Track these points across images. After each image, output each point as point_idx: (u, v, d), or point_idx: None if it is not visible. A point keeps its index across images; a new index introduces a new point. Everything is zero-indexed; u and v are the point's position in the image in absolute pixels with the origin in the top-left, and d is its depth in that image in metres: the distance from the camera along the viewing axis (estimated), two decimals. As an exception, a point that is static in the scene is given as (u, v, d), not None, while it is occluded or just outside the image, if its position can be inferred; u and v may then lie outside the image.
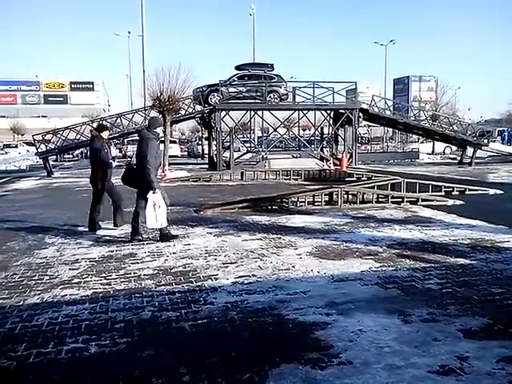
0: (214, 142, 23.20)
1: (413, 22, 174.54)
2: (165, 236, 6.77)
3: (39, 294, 4.53)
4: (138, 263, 5.60)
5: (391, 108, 26.85)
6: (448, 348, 3.26)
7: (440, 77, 57.59)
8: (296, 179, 16.46)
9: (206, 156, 26.86)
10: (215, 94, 22.17)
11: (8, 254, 6.10)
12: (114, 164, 7.27)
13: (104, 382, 2.92)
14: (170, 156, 18.27)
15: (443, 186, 11.64)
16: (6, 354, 3.26)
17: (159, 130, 6.93)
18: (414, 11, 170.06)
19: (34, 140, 21.75)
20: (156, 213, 6.45)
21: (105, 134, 7.61)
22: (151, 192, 6.43)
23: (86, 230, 7.50)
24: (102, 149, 7.43)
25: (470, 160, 24.52)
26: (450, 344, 3.32)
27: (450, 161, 28.64)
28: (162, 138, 17.14)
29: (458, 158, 26.53)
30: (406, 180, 11.28)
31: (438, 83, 55.51)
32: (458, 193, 11.54)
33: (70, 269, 5.40)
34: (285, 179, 16.47)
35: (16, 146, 36.30)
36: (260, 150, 24.55)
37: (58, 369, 3.07)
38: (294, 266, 5.36)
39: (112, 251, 6.21)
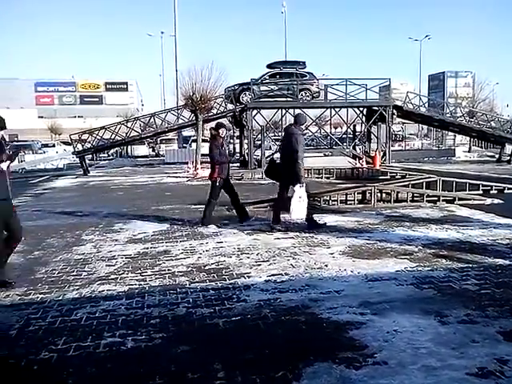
0: (246, 141, 23.28)
1: (449, 17, 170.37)
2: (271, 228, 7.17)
3: (78, 290, 4.66)
4: (172, 260, 5.69)
5: (426, 105, 26.27)
6: (487, 350, 3.18)
7: (477, 72, 56.03)
8: (328, 177, 16.33)
9: (238, 154, 26.98)
10: (247, 93, 22.22)
11: (47, 250, 6.31)
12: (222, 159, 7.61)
13: (141, 376, 2.98)
14: (202, 154, 18.44)
15: (481, 184, 11.32)
16: (47, 347, 3.37)
17: (304, 126, 7.20)
18: (450, 6, 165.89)
19: (71, 139, 22.36)
20: (300, 205, 6.76)
21: (222, 132, 7.85)
22: (298, 185, 6.73)
23: (126, 227, 7.67)
24: (220, 147, 7.69)
25: (508, 158, 23.80)
26: (488, 346, 3.24)
27: (487, 159, 27.79)
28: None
29: (497, 156, 25.77)
30: (441, 178, 11.02)
31: (475, 79, 53.89)
32: (496, 191, 11.19)
33: (106, 265, 5.54)
34: (316, 177, 16.35)
35: (54, 146, 37.26)
36: (291, 148, 24.35)
37: (96, 362, 3.15)
38: (326, 265, 5.33)
39: (147, 248, 6.32)
